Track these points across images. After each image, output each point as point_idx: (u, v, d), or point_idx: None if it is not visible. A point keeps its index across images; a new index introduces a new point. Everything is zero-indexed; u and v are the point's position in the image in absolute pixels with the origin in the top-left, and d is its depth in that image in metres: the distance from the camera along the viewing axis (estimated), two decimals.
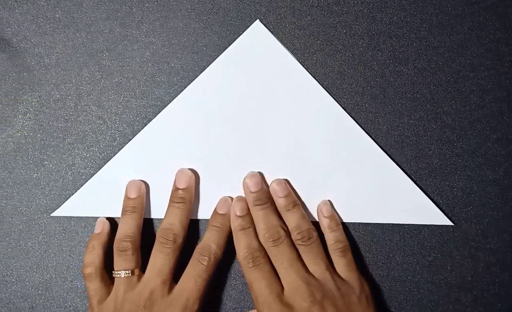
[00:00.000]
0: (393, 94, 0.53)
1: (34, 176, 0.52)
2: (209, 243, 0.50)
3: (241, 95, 0.52)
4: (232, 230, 0.50)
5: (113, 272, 0.49)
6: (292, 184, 0.52)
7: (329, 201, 0.52)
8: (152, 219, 0.52)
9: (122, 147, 0.52)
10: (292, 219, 0.50)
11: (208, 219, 0.52)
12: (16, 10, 0.53)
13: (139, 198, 0.51)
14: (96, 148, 0.53)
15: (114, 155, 0.52)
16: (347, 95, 0.53)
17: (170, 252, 0.49)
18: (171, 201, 0.50)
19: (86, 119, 0.53)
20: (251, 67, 0.52)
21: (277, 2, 0.53)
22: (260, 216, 0.50)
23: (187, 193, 0.50)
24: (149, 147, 0.52)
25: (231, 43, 0.53)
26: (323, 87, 0.53)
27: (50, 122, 0.53)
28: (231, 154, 0.52)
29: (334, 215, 0.51)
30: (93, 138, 0.53)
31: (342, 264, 0.50)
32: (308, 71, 0.53)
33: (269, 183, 0.52)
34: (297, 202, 0.51)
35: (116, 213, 0.52)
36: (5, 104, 0.53)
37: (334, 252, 0.50)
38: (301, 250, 0.49)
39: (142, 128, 0.52)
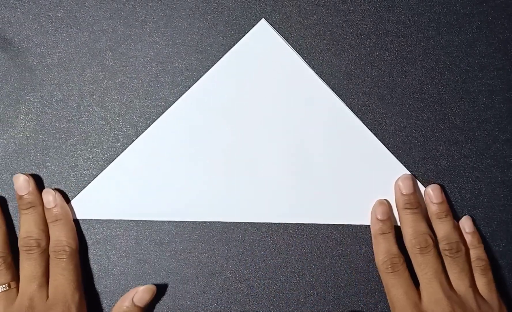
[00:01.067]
0: (401, 95, 0.52)
1: (36, 178, 0.52)
2: (59, 238, 0.49)
3: (245, 95, 0.52)
4: (372, 233, 0.51)
5: None
6: (298, 185, 0.51)
7: (470, 216, 0.52)
8: (157, 221, 0.52)
9: (125, 149, 0.52)
10: (442, 228, 0.50)
11: (214, 221, 0.51)
12: (18, 9, 0.52)
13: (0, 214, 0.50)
14: (99, 150, 0.52)
15: (117, 156, 0.52)
16: (354, 95, 0.52)
17: (38, 257, 0.48)
18: (20, 209, 0.50)
19: (89, 120, 0.52)
20: (256, 67, 0.52)
21: (283, 1, 0.53)
22: (409, 220, 0.50)
23: (32, 196, 0.50)
24: (152, 149, 0.52)
25: (236, 42, 0.52)
26: (329, 87, 0.52)
27: (52, 123, 0.52)
28: (236, 155, 0.51)
29: (476, 231, 0.51)
30: (95, 139, 0.52)
31: (482, 283, 0.49)
32: (314, 71, 0.52)
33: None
34: (449, 211, 0.51)
35: (118, 215, 0.51)
36: (7, 104, 0.52)
37: (475, 270, 0.50)
38: (447, 261, 0.49)
39: (145, 129, 0.52)
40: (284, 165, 0.51)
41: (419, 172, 0.52)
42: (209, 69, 0.52)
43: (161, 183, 0.51)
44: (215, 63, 0.52)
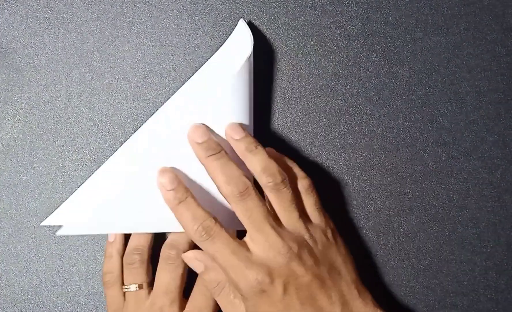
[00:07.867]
0: (388, 96, 0.52)
1: (24, 179, 0.52)
2: None
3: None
4: (170, 207, 0.44)
5: (123, 286, 0.48)
6: None
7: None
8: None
9: (113, 150, 0.52)
10: (257, 160, 0.44)
11: None
12: (6, 10, 0.52)
13: None
14: (87, 151, 0.52)
15: (104, 158, 0.52)
16: (342, 96, 0.52)
17: (175, 268, 0.47)
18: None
19: (76, 121, 0.52)
20: (243, 68, 0.51)
21: (270, 2, 0.53)
22: (217, 167, 0.44)
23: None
24: (141, 152, 0.51)
25: (223, 43, 0.52)
26: (316, 88, 0.52)
27: (40, 124, 0.52)
28: None
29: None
30: (83, 140, 0.52)
31: (310, 204, 0.46)
32: (301, 71, 0.52)
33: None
34: (258, 142, 0.45)
35: (102, 229, 0.50)
36: None
37: (300, 190, 0.46)
38: (273, 196, 0.44)
39: (133, 131, 0.52)
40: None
41: (407, 173, 0.52)
42: (197, 70, 0.52)
43: (150, 186, 0.50)
44: (202, 64, 0.52)
